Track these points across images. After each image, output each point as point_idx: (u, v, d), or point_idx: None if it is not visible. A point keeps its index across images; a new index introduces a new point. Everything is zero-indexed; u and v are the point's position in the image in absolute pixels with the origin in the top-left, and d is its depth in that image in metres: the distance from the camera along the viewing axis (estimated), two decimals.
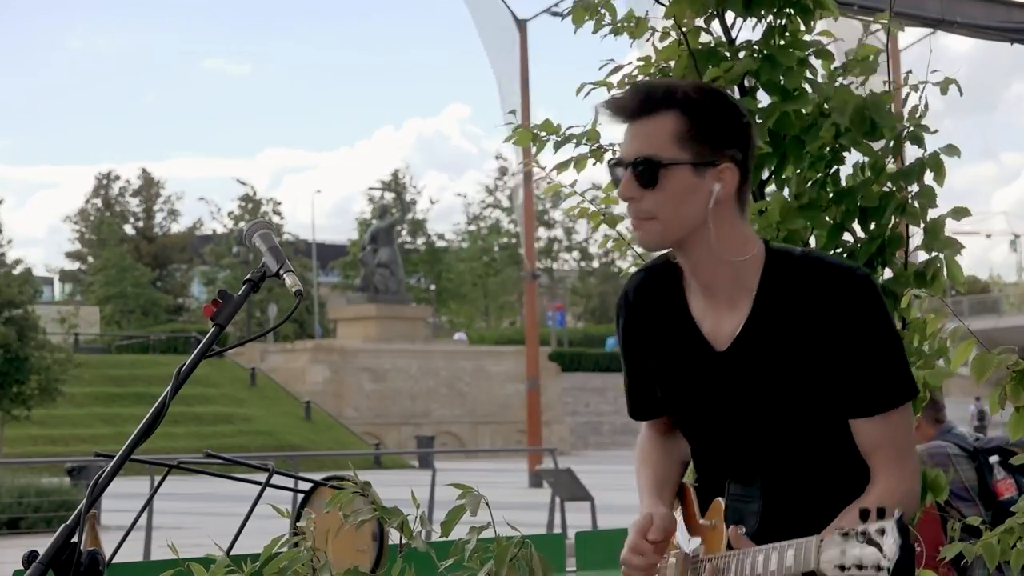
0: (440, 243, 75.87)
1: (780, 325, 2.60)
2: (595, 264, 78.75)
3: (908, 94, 3.73)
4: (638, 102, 2.61)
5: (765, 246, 2.67)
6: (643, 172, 2.58)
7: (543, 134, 3.94)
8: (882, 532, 2.18)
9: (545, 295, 70.46)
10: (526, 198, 37.34)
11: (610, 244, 4.14)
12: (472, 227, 76.03)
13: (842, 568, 2.21)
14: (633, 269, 4.15)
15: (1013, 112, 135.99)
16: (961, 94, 3.78)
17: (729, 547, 2.54)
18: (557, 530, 16.77)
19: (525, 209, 37.56)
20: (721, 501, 2.63)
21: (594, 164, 3.97)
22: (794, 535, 2.44)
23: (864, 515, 2.21)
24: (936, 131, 3.69)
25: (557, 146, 3.95)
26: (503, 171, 74.74)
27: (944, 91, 3.73)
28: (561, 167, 3.99)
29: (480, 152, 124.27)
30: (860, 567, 2.20)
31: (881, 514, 2.19)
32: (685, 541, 2.72)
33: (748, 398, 2.64)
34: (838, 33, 3.93)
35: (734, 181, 2.61)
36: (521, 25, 33.86)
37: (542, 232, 73.60)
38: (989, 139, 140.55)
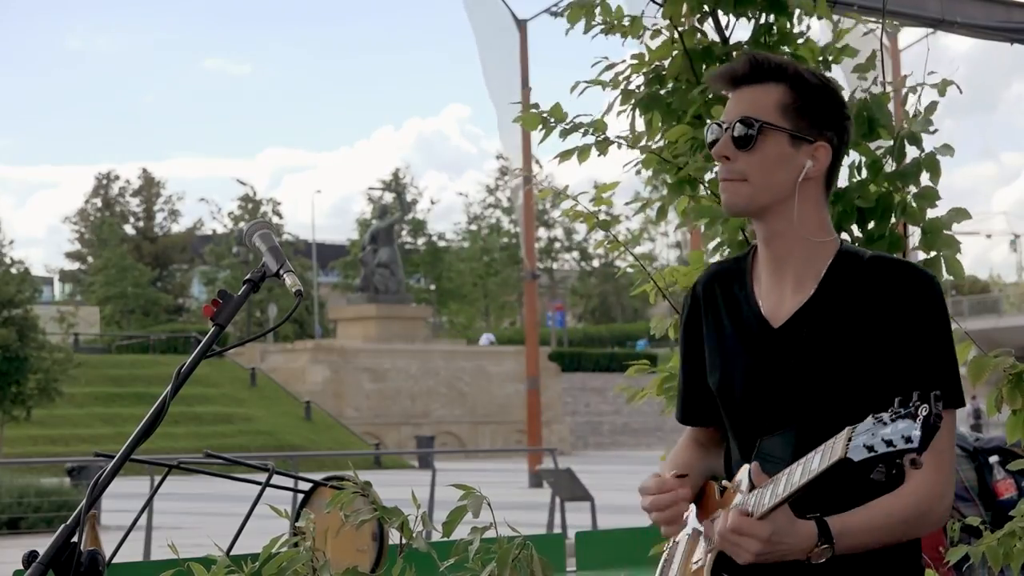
0: (440, 243, 75.86)
1: (840, 310, 2.62)
2: (595, 264, 78.74)
3: (907, 94, 3.73)
4: (749, 69, 2.67)
5: (841, 241, 2.73)
6: (742, 132, 2.64)
7: (552, 120, 3.93)
8: (916, 409, 2.18)
9: (545, 295, 70.46)
10: (526, 198, 37.33)
11: (607, 245, 4.13)
12: (472, 227, 76.03)
13: (870, 449, 2.20)
14: (631, 270, 4.16)
15: (1013, 112, 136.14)
16: (961, 92, 3.78)
17: (752, 488, 2.53)
18: (557, 530, 16.77)
19: (525, 209, 37.57)
20: (744, 468, 2.60)
21: (599, 156, 3.96)
22: (814, 507, 2.46)
23: (903, 402, 2.20)
24: (936, 130, 3.69)
25: (564, 133, 3.94)
26: (503, 171, 74.76)
27: (942, 93, 3.73)
28: (564, 156, 3.98)
29: (480, 152, 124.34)
30: (890, 443, 2.18)
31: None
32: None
33: (795, 376, 2.64)
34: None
35: (826, 161, 2.66)
36: (521, 25, 33.86)
37: (542, 232, 73.60)
38: (989, 139, 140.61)
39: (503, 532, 3.20)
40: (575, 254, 78.81)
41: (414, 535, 3.35)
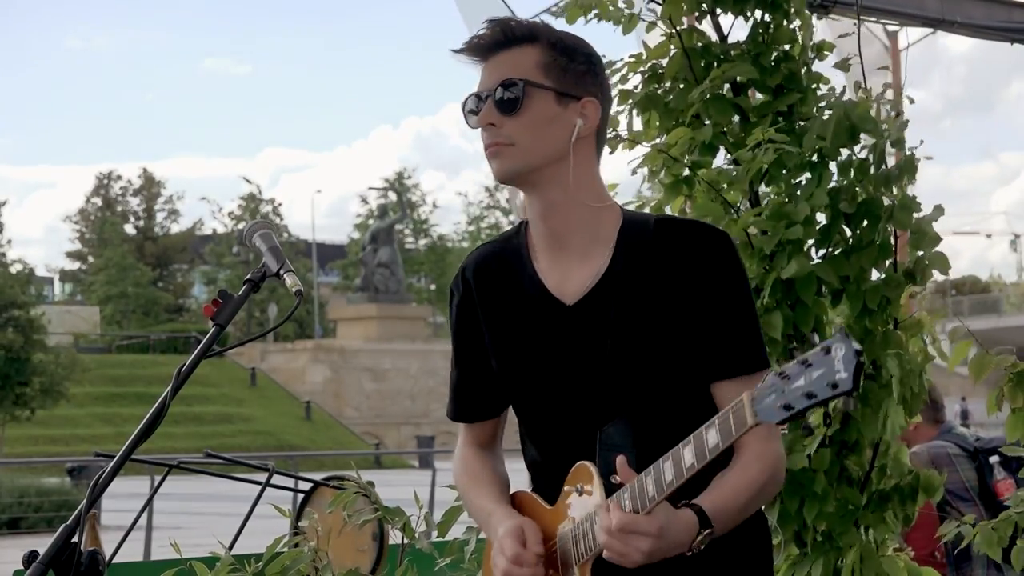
0: (441, 243, 75.83)
1: (636, 278, 2.48)
2: None
3: (883, 93, 3.74)
4: (501, 35, 2.53)
5: (619, 205, 2.59)
6: (506, 96, 2.48)
7: None
8: (827, 351, 1.99)
9: None
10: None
11: None
12: (472, 227, 76.01)
13: (788, 407, 2.03)
14: None
15: (1012, 112, 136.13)
16: (912, 102, 3.79)
17: (614, 488, 2.33)
18: None
19: (524, 208, 37.54)
20: (588, 465, 2.42)
21: (609, 153, 3.96)
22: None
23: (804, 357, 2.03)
24: (907, 120, 3.69)
25: None
26: None
27: (896, 108, 3.72)
28: None
29: (478, 152, 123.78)
30: (811, 395, 2.00)
31: None
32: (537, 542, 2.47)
33: (600, 356, 2.48)
34: (838, 32, 3.94)
35: (596, 117, 2.52)
36: None
37: None
38: (989, 139, 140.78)
39: None
40: None
41: (416, 535, 3.36)
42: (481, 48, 2.55)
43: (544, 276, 2.55)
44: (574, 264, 2.53)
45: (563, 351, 2.52)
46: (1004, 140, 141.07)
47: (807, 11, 3.84)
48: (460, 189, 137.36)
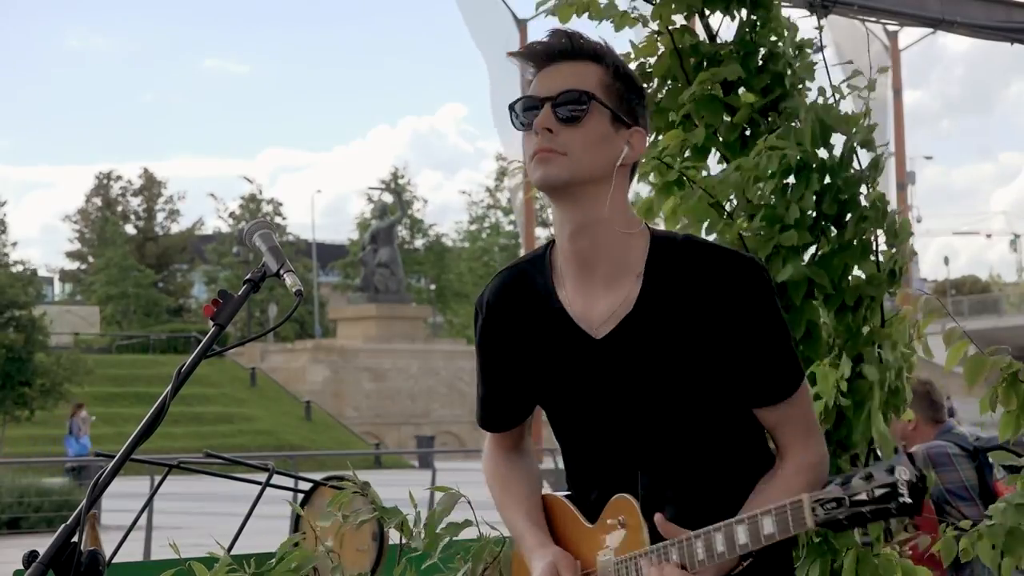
0: (441, 243, 75.83)
1: (666, 311, 2.49)
2: None
3: (859, 95, 3.73)
4: (568, 45, 2.54)
5: (648, 228, 2.59)
6: (568, 105, 2.49)
7: None
8: (891, 471, 2.18)
9: None
10: (526, 196, 37.24)
11: None
12: (473, 227, 76.01)
13: (851, 520, 2.20)
14: None
15: (1012, 112, 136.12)
16: (864, 90, 3.76)
17: (656, 538, 2.42)
18: None
19: (525, 209, 37.56)
20: (629, 498, 2.48)
21: None
22: (714, 518, 2.39)
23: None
24: (886, 144, 3.69)
25: None
26: (502, 172, 74.65)
27: (866, 108, 3.71)
28: None
29: (476, 151, 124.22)
30: (875, 514, 2.19)
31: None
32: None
33: (636, 389, 2.52)
34: (838, 34, 3.93)
35: (641, 149, 2.57)
36: (521, 25, 33.82)
37: (540, 232, 73.53)
38: (988, 139, 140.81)
39: (484, 530, 3.23)
40: None
41: (413, 535, 3.36)
42: (543, 54, 2.56)
43: (569, 304, 2.56)
44: (599, 292, 2.54)
45: (596, 386, 2.55)
46: (1003, 140, 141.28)
47: (781, 10, 3.82)
48: (458, 188, 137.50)
